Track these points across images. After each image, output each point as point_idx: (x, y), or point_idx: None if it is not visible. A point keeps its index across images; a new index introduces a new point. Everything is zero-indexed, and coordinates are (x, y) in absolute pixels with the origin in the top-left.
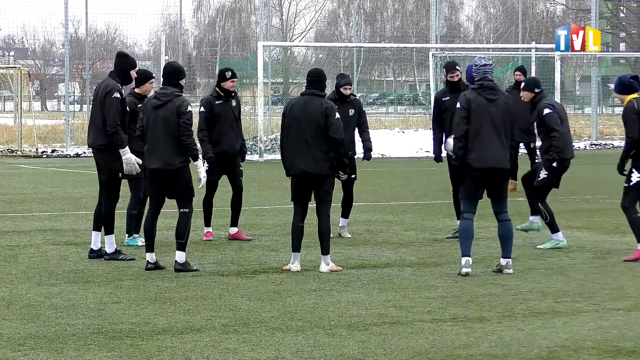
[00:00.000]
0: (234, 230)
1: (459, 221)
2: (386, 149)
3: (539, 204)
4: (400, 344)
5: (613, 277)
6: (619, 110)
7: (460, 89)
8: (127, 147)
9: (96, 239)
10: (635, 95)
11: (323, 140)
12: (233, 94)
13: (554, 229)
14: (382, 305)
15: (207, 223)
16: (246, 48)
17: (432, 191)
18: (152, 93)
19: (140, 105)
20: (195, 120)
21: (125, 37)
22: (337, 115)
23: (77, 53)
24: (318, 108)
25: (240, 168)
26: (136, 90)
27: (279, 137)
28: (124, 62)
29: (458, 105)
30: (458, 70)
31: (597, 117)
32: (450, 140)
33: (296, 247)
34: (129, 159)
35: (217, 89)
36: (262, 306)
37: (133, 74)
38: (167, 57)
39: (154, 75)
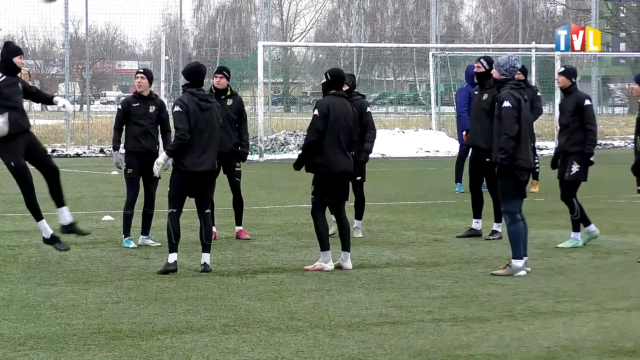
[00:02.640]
0: (238, 228)
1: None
2: (386, 149)
3: (574, 199)
4: (400, 344)
5: (613, 277)
6: (619, 110)
7: (484, 85)
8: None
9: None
10: None
11: (350, 140)
12: (229, 93)
13: (578, 227)
14: (382, 305)
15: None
16: (246, 48)
17: (432, 191)
18: (148, 91)
19: (138, 104)
20: None
21: (125, 37)
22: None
23: (77, 53)
24: (351, 110)
25: (237, 169)
26: (138, 90)
27: (309, 134)
28: (4, 51)
29: (508, 104)
30: (481, 62)
31: (597, 117)
32: None
33: (327, 245)
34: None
35: (212, 87)
36: (262, 306)
37: (18, 60)
38: (167, 57)
39: (140, 70)
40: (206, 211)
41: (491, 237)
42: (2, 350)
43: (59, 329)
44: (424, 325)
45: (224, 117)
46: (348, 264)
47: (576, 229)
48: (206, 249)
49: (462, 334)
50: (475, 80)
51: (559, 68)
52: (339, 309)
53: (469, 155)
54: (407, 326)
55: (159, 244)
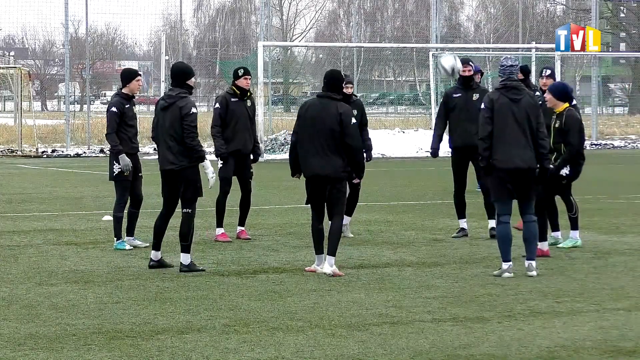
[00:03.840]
0: (240, 228)
1: (460, 220)
2: (386, 149)
3: (571, 197)
4: (400, 344)
5: (613, 277)
6: (619, 110)
7: (472, 86)
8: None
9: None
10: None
11: (336, 143)
12: (248, 94)
13: (576, 226)
14: (382, 305)
15: (220, 223)
16: (246, 48)
17: (432, 191)
18: (138, 91)
19: (129, 105)
20: (206, 118)
21: (125, 37)
22: (354, 120)
23: (77, 53)
24: (333, 112)
25: (251, 170)
26: (123, 90)
27: (291, 137)
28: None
29: (482, 106)
30: (470, 65)
31: (597, 117)
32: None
33: (318, 250)
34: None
35: (233, 87)
36: (262, 306)
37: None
38: (167, 57)
39: (140, 72)
40: (183, 210)
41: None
42: (2, 350)
43: (59, 329)
44: (424, 325)
45: (246, 118)
46: (325, 267)
47: (574, 227)
48: (182, 248)
49: (462, 334)
50: (460, 83)
51: (545, 71)
52: (339, 309)
53: (454, 157)
54: (407, 326)
55: (147, 244)
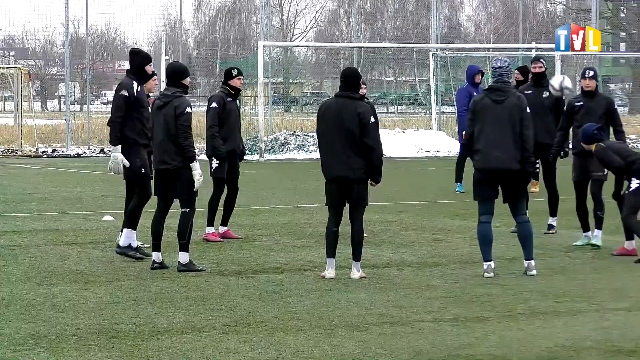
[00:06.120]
0: (223, 229)
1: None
2: (386, 149)
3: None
4: (401, 344)
5: (613, 277)
6: (621, 110)
7: (542, 84)
8: (118, 146)
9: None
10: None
11: (356, 144)
12: (238, 93)
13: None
14: (382, 305)
15: (211, 223)
16: (246, 48)
17: (432, 191)
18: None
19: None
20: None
21: (125, 37)
22: (372, 119)
23: (77, 53)
24: (352, 112)
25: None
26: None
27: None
28: (137, 59)
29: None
30: (541, 62)
31: None
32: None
33: (330, 254)
34: (115, 157)
35: (226, 87)
36: (262, 306)
37: (149, 69)
38: (167, 57)
39: (156, 73)
40: (182, 210)
41: (549, 232)
42: (2, 350)
43: (59, 329)
44: (424, 325)
45: (237, 117)
46: (353, 273)
47: (599, 226)
48: (180, 247)
49: (462, 334)
50: (532, 81)
51: (588, 72)
52: (339, 309)
53: None
54: (408, 326)
55: (148, 245)
